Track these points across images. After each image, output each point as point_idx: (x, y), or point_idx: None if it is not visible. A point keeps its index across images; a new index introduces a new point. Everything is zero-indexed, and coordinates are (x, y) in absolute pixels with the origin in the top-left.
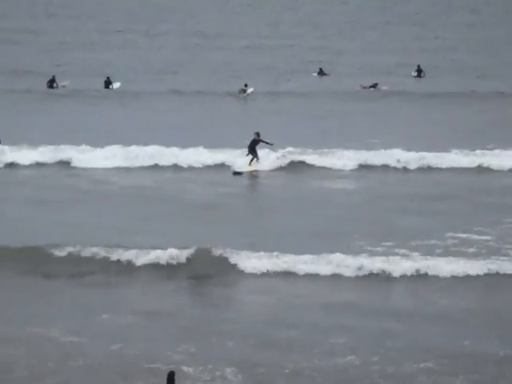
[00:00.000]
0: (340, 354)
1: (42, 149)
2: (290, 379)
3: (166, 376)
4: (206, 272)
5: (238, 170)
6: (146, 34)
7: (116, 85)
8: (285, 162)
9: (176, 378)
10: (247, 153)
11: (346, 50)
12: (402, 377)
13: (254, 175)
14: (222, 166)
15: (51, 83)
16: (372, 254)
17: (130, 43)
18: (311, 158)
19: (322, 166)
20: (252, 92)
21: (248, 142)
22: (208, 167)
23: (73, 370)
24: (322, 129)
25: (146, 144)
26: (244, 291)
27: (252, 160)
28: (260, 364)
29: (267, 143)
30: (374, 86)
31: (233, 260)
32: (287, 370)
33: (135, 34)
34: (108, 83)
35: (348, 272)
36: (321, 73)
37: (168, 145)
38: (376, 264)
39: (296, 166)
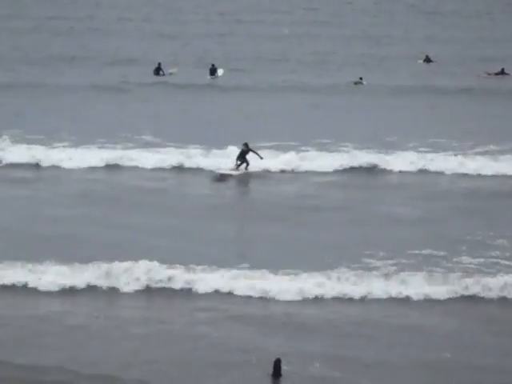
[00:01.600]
0: (435, 351)
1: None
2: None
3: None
4: None
5: (222, 172)
6: (240, 22)
7: (220, 71)
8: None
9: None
10: (237, 163)
11: (449, 38)
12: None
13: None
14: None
15: (157, 70)
16: None
17: (225, 31)
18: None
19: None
20: (364, 84)
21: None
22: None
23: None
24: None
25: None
26: None
27: (240, 165)
28: None
29: (257, 154)
30: (502, 72)
31: None
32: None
33: (229, 22)
34: (213, 71)
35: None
36: (427, 60)
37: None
38: None
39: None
